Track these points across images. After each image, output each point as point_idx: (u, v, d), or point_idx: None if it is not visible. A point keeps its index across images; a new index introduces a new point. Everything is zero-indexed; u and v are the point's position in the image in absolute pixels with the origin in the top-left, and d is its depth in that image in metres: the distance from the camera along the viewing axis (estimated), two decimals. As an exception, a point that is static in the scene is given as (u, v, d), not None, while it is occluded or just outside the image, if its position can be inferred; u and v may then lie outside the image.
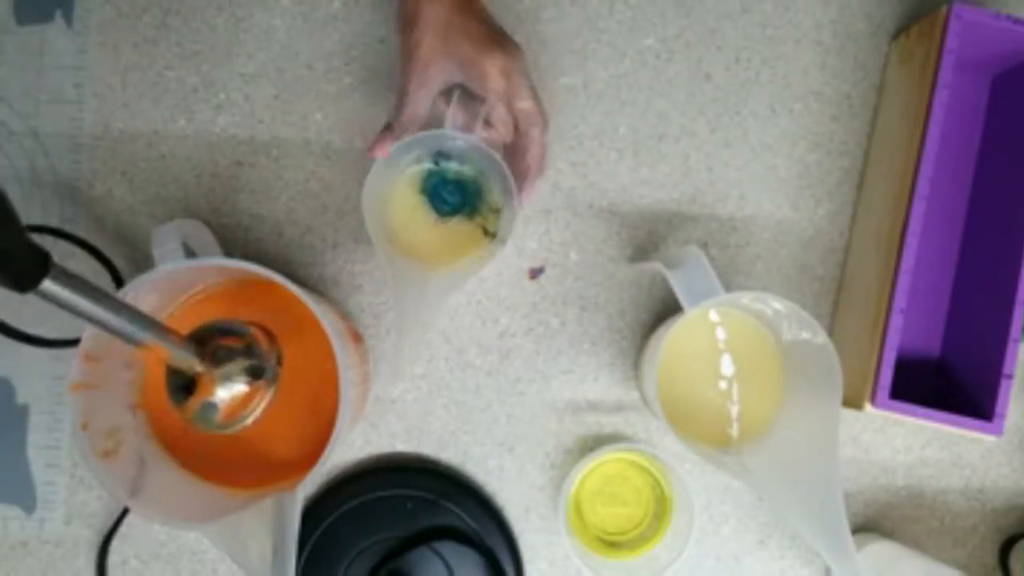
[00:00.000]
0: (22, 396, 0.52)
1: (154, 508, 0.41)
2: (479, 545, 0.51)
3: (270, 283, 0.42)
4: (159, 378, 0.42)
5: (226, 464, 0.47)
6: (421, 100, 0.46)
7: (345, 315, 0.52)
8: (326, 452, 0.40)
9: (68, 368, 0.52)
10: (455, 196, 0.50)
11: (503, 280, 0.53)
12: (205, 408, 0.38)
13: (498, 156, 0.47)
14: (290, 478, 0.46)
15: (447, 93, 0.48)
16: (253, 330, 0.41)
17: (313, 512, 0.51)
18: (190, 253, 0.47)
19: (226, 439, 0.47)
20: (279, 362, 0.42)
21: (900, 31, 0.54)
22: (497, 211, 0.50)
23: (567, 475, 0.50)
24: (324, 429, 0.42)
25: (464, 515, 0.51)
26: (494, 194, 0.51)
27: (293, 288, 0.41)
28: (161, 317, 0.47)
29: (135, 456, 0.44)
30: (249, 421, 0.40)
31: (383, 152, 0.46)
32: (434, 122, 0.47)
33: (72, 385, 0.41)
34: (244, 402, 0.39)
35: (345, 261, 0.53)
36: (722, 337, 0.51)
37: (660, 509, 0.52)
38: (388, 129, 0.46)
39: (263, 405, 0.40)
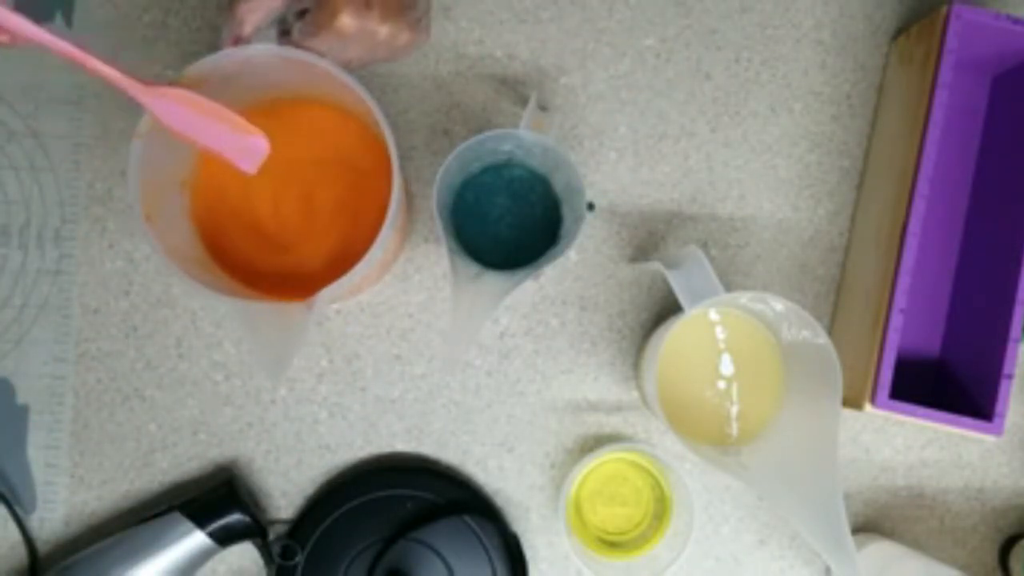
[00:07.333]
0: (22, 396, 0.52)
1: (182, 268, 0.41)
2: (478, 543, 0.51)
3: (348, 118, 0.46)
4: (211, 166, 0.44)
5: (256, 275, 0.47)
6: None
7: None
8: (362, 263, 0.40)
9: (68, 368, 0.52)
10: (507, 199, 0.50)
11: (503, 280, 0.54)
12: None
13: (572, 159, 0.45)
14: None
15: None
16: None
17: (313, 512, 0.51)
18: None
19: (266, 254, 0.47)
20: None
21: (900, 31, 0.54)
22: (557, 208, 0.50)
23: (567, 475, 0.50)
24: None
25: (463, 515, 0.51)
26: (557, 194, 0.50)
27: (384, 127, 0.41)
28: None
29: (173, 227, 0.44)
30: None
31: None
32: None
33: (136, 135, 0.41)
34: None
35: (345, 261, 0.53)
36: (722, 337, 0.51)
37: (660, 509, 0.52)
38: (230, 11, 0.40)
39: None
